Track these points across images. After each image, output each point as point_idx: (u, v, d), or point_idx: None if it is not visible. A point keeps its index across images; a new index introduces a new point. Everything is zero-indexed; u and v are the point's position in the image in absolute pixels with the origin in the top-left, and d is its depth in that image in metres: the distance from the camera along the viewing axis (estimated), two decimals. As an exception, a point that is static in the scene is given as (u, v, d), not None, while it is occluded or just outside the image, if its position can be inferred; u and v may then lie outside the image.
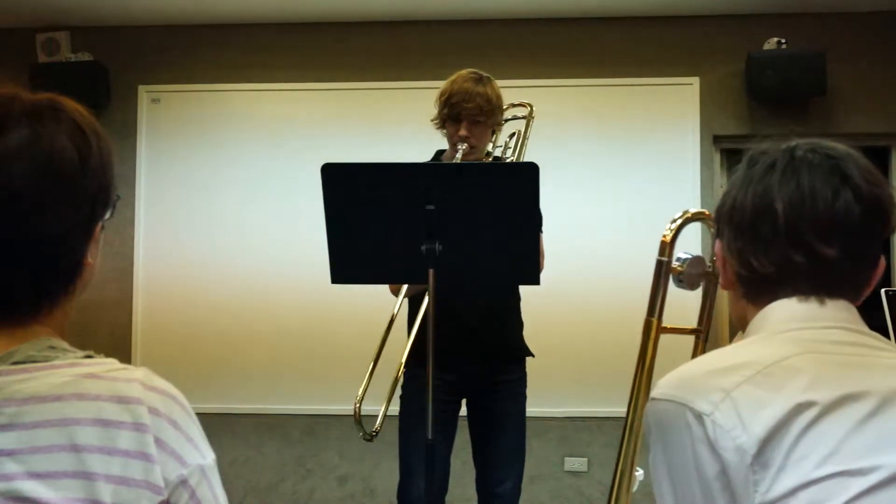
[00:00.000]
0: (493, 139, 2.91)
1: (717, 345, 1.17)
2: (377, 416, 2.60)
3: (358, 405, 2.54)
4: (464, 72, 2.76)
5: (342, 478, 4.60)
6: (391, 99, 4.66)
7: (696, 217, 1.58)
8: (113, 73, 4.74)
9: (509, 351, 2.82)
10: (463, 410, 2.84)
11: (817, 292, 1.09)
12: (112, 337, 4.61)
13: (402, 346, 2.64)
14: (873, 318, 3.00)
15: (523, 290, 2.87)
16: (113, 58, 4.74)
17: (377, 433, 2.54)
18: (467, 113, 2.67)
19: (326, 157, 2.25)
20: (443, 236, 2.17)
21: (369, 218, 2.27)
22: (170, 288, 4.66)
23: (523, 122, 3.09)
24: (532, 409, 2.87)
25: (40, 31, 4.71)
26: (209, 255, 4.66)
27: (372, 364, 2.59)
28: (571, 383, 4.41)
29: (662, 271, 1.55)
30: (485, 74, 2.76)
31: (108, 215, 1.02)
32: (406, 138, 4.46)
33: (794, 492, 0.94)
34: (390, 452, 4.48)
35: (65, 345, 0.96)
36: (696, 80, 4.59)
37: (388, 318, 2.65)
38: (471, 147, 2.70)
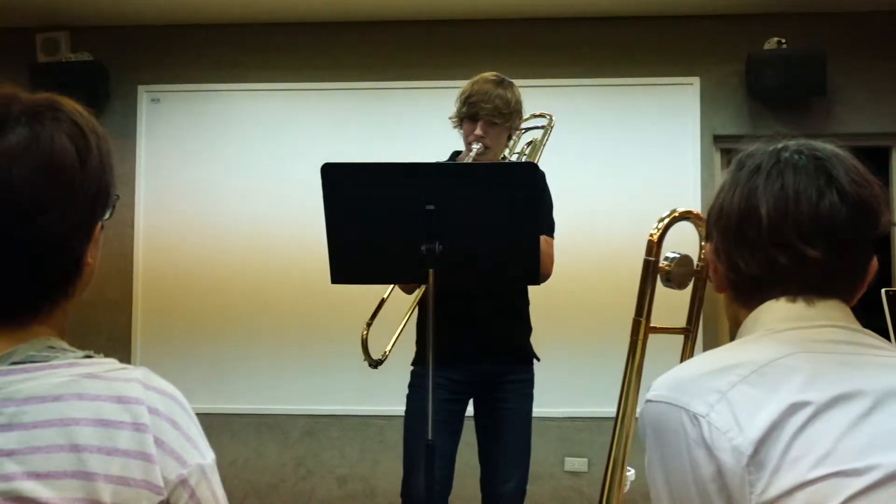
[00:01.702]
0: (509, 145, 2.91)
1: (717, 345, 1.16)
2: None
3: (366, 332, 2.58)
4: (486, 74, 2.78)
5: (342, 478, 4.60)
6: (391, 99, 4.66)
7: (683, 216, 1.57)
8: (113, 73, 4.74)
9: (516, 351, 2.83)
10: (469, 410, 2.85)
11: (805, 293, 1.09)
12: (112, 337, 4.61)
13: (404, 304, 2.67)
14: (873, 319, 2.99)
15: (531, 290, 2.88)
16: (113, 58, 4.74)
17: (385, 357, 2.58)
18: (485, 113, 2.68)
19: (326, 157, 2.25)
20: (443, 236, 2.17)
21: (369, 218, 2.27)
22: (169, 288, 4.66)
23: (541, 130, 3.11)
24: (532, 409, 2.87)
25: (40, 31, 4.71)
26: (209, 255, 4.66)
27: (386, 294, 2.67)
28: (571, 383, 4.41)
29: (650, 271, 1.55)
30: (507, 79, 2.77)
31: (107, 215, 1.02)
32: (407, 138, 4.47)
33: (790, 492, 0.94)
34: (390, 452, 4.50)
35: (64, 345, 0.96)
36: (696, 80, 4.59)
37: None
38: (485, 147, 2.70)
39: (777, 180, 1.08)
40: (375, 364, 2.57)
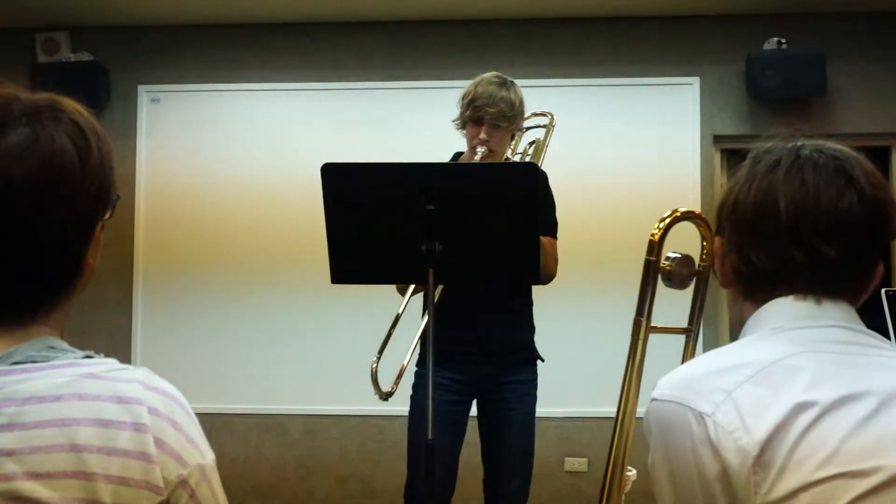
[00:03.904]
0: (512, 145, 2.91)
1: (717, 345, 1.16)
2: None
3: (375, 364, 2.57)
4: (488, 75, 2.77)
5: (342, 478, 4.60)
6: (391, 99, 4.66)
7: (685, 216, 1.57)
8: (113, 73, 4.74)
9: (520, 352, 2.83)
10: (473, 410, 2.85)
11: (815, 292, 1.08)
12: (112, 337, 4.61)
13: (412, 330, 2.66)
14: (873, 319, 2.99)
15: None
16: (113, 58, 4.74)
17: (393, 392, 2.56)
18: (489, 117, 2.67)
19: (326, 157, 2.25)
20: (443, 236, 2.17)
21: (369, 218, 2.27)
22: (170, 288, 4.66)
23: (543, 129, 3.10)
24: (535, 411, 2.86)
25: (40, 31, 4.71)
26: (209, 254, 4.66)
27: (390, 327, 2.63)
28: (571, 383, 4.40)
29: (651, 271, 1.55)
30: (508, 79, 2.76)
31: (107, 215, 1.02)
32: (406, 138, 4.47)
33: (795, 493, 0.94)
34: (390, 452, 4.50)
35: (64, 345, 0.96)
36: (696, 80, 4.59)
37: (392, 318, 2.67)
38: (489, 151, 2.70)
39: (797, 176, 1.08)
40: (386, 397, 2.56)
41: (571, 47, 4.65)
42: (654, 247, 1.54)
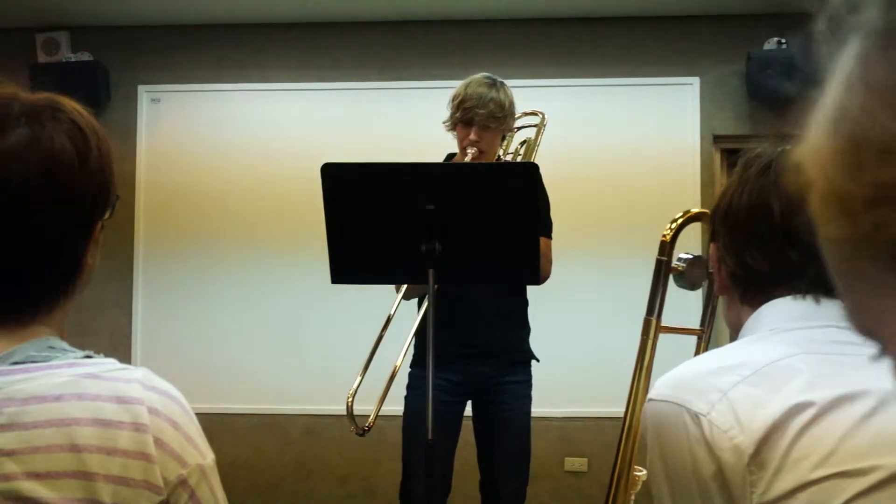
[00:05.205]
0: (503, 145, 2.91)
1: (717, 345, 1.17)
2: (382, 415, 2.61)
3: (351, 399, 2.55)
4: (477, 76, 2.76)
5: (342, 478, 4.60)
6: (391, 99, 4.66)
7: (697, 217, 1.57)
8: (113, 73, 4.74)
9: (515, 353, 2.83)
10: (468, 411, 2.84)
11: (813, 291, 1.09)
12: (112, 337, 4.61)
13: (399, 344, 2.64)
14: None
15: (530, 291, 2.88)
16: (113, 58, 4.74)
17: (370, 428, 2.55)
18: (479, 119, 2.67)
19: (326, 157, 2.25)
20: (443, 236, 2.17)
21: (369, 218, 2.27)
22: (169, 288, 4.66)
23: (534, 129, 3.10)
24: (532, 409, 2.87)
25: (40, 31, 4.71)
26: (208, 255, 4.66)
27: (367, 360, 2.60)
28: (571, 383, 4.40)
29: (662, 271, 1.55)
30: (498, 79, 2.75)
31: (107, 215, 1.02)
32: (406, 138, 4.47)
33: (792, 493, 0.94)
34: (390, 452, 4.50)
35: (64, 345, 0.96)
36: (696, 80, 4.59)
37: (387, 317, 2.66)
38: (480, 152, 2.70)
39: None
40: (362, 432, 2.55)
41: (571, 47, 4.65)
42: (666, 247, 1.54)
